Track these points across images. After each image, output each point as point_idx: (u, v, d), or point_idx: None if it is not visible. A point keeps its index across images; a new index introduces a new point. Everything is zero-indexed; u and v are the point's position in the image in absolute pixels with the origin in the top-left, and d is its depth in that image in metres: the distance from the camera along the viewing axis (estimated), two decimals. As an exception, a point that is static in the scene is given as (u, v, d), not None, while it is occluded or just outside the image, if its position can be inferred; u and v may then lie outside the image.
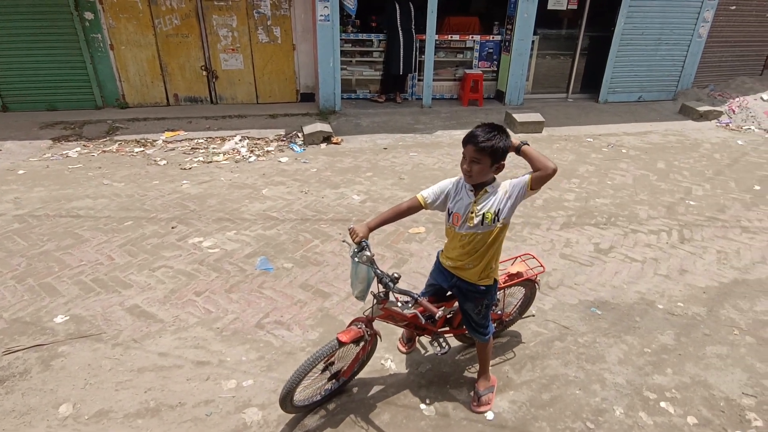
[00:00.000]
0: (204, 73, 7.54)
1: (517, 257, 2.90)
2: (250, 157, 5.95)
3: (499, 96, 8.41)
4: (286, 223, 4.39)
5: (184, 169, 5.57)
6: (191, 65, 7.45)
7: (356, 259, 2.18)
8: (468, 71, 8.04)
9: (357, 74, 8.06)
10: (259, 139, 6.54)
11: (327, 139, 6.49)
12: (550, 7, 7.94)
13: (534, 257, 2.88)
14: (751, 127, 7.87)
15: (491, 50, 8.22)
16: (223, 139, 6.46)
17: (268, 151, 6.16)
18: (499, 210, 2.13)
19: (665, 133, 7.48)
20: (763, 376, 2.86)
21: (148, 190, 4.98)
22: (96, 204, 4.64)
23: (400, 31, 7.42)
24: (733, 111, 8.28)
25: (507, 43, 7.94)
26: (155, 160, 5.77)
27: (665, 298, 3.54)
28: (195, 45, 7.34)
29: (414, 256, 3.95)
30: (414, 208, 2.28)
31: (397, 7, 7.34)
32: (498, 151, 2.01)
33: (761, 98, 8.48)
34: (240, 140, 6.41)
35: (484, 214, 2.13)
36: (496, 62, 8.31)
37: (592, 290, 3.60)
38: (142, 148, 6.10)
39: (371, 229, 2.21)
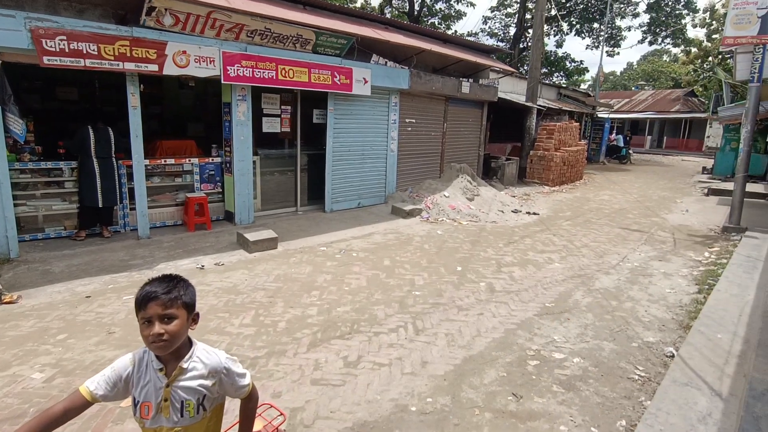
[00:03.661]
0: None
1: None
2: None
3: (229, 216, 8.11)
4: None
5: None
6: None
7: None
8: (190, 195, 7.52)
9: (44, 209, 6.53)
10: None
11: (-5, 299, 4.80)
12: (265, 130, 8.39)
13: (272, 406, 2.41)
14: (444, 219, 9.67)
15: (212, 172, 7.98)
16: None
17: None
18: (204, 397, 1.65)
19: (385, 232, 8.43)
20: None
21: None
22: None
23: (94, 159, 6.45)
24: (429, 207, 10.09)
25: (228, 165, 7.86)
26: None
27: (416, 398, 3.53)
28: None
29: (127, 442, 2.94)
30: (76, 408, 1.57)
31: (91, 133, 6.42)
32: (189, 298, 1.63)
33: (444, 195, 10.66)
34: None
35: (183, 402, 1.60)
36: (219, 183, 8.08)
37: (349, 413, 3.31)
38: None
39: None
